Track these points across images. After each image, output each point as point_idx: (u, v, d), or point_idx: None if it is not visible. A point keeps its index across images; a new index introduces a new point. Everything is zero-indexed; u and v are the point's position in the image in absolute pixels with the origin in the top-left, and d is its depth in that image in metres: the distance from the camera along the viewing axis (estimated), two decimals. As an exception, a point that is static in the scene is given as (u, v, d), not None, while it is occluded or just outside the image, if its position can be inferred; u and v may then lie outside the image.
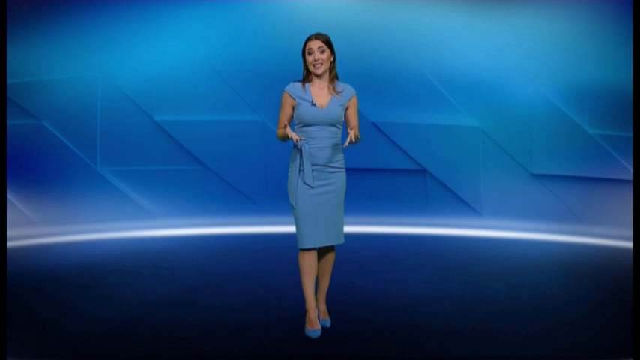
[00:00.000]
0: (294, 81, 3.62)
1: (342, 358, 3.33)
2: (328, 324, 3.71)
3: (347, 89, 3.61)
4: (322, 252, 3.67)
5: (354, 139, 3.46)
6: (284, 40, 6.67)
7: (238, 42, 7.27)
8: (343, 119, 3.62)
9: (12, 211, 6.88)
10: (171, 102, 7.31)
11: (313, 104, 3.52)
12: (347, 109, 3.60)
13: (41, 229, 6.99)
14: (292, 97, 3.56)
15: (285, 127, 3.54)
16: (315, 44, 3.52)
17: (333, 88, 3.58)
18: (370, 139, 6.97)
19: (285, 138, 3.54)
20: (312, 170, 3.51)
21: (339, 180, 3.59)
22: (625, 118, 6.74)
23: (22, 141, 7.11)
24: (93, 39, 7.18)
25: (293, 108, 3.57)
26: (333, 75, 3.59)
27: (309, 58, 3.52)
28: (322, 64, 3.52)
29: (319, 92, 3.57)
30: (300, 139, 3.49)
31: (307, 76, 3.58)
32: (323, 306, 3.75)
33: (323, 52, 3.52)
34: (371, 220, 7.16)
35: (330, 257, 3.70)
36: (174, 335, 3.60)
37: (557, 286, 4.78)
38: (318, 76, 3.56)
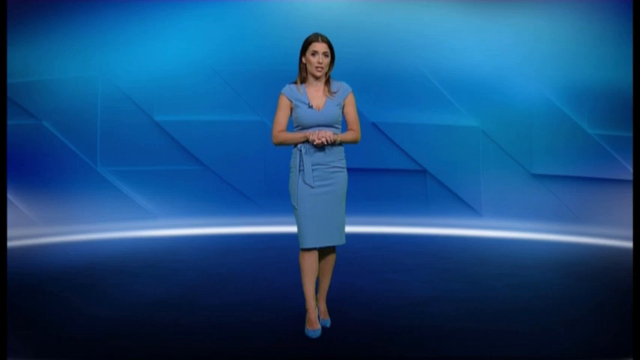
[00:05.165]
0: (290, 83, 3.62)
1: (342, 358, 3.33)
2: (328, 324, 3.71)
3: (342, 88, 3.60)
4: (323, 253, 3.67)
5: (328, 140, 3.41)
6: (284, 40, 6.66)
7: (238, 42, 7.27)
8: (342, 118, 3.62)
9: (12, 211, 6.88)
10: (171, 102, 7.31)
11: (310, 106, 3.52)
12: (344, 107, 3.60)
13: (41, 229, 6.98)
14: (289, 100, 3.56)
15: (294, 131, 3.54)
16: (322, 47, 3.51)
17: (328, 90, 3.58)
18: (370, 139, 6.96)
19: (289, 142, 3.54)
20: (313, 170, 3.51)
21: (340, 179, 3.59)
22: (625, 118, 6.73)
23: (22, 141, 7.10)
24: (93, 39, 7.18)
25: (291, 110, 3.57)
26: (328, 77, 3.59)
27: (313, 59, 3.51)
28: (323, 68, 3.52)
29: (315, 94, 3.56)
30: (315, 136, 3.43)
31: (303, 77, 3.58)
32: (323, 306, 3.76)
33: (327, 56, 3.52)
34: (371, 220, 7.15)
35: (331, 258, 3.70)
36: (175, 335, 3.60)
37: (557, 286, 4.77)
38: (316, 77, 3.56)
